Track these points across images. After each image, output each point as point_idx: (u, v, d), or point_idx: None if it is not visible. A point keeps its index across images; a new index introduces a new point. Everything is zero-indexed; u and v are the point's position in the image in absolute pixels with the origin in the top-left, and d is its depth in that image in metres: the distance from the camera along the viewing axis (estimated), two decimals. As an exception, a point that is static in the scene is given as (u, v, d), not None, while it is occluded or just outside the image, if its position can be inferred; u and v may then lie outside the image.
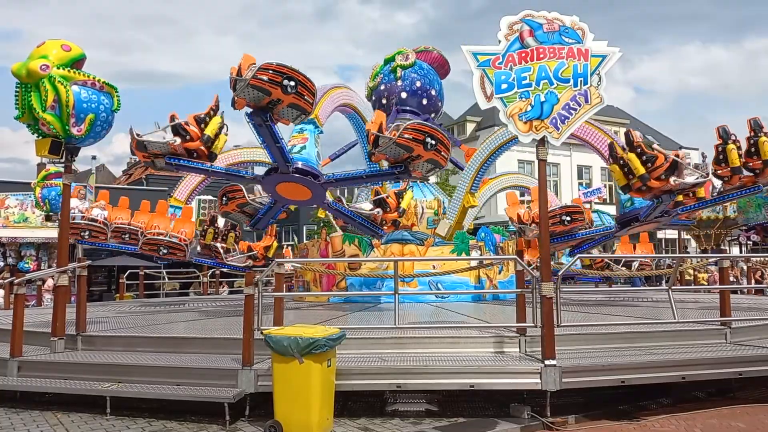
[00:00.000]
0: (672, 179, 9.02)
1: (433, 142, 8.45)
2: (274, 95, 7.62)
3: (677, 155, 9.16)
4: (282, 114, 7.97)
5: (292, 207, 12.00)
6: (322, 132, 9.80)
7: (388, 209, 11.48)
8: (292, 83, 7.64)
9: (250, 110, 7.96)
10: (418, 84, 14.92)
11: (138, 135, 8.70)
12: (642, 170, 8.95)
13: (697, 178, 9.30)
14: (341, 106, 13.53)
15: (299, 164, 9.03)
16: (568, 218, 11.19)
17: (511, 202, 12.52)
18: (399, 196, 11.83)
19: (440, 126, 11.68)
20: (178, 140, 8.81)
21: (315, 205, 11.90)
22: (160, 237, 12.67)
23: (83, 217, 12.49)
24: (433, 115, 15.10)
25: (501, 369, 6.62)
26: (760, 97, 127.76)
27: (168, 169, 9.24)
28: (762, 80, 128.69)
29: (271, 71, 7.57)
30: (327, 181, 9.40)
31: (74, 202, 12.22)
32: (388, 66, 15.16)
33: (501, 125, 12.83)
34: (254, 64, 7.66)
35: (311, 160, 9.17)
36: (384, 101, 14.97)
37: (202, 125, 8.98)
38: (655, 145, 9.14)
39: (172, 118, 8.95)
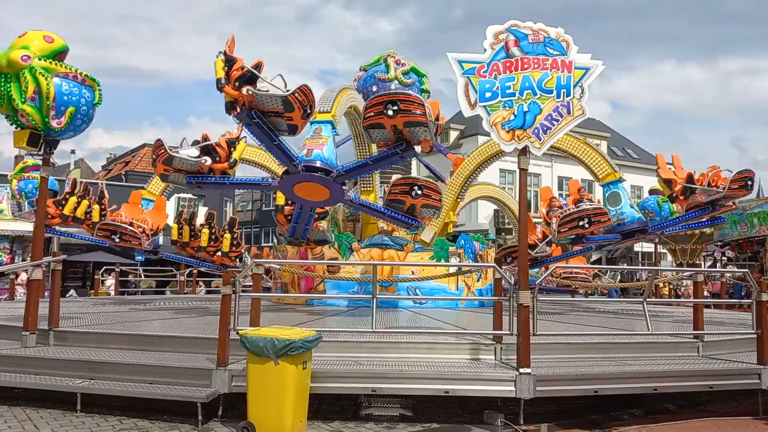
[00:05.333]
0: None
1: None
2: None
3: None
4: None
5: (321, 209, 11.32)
6: (337, 132, 9.59)
7: (218, 159, 9.60)
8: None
9: (237, 110, 7.71)
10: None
11: (171, 149, 8.95)
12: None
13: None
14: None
15: (316, 163, 8.61)
16: (587, 222, 10.77)
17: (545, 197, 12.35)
18: (231, 145, 9.93)
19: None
20: (209, 161, 9.09)
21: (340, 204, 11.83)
22: (115, 223, 12.27)
23: None
24: None
25: (476, 376, 6.63)
26: (733, 116, 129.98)
27: (176, 182, 9.56)
28: (735, 100, 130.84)
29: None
30: (338, 174, 8.93)
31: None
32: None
33: (484, 133, 12.86)
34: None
35: (325, 158, 8.72)
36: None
37: (232, 148, 9.33)
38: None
39: (205, 138, 9.31)
